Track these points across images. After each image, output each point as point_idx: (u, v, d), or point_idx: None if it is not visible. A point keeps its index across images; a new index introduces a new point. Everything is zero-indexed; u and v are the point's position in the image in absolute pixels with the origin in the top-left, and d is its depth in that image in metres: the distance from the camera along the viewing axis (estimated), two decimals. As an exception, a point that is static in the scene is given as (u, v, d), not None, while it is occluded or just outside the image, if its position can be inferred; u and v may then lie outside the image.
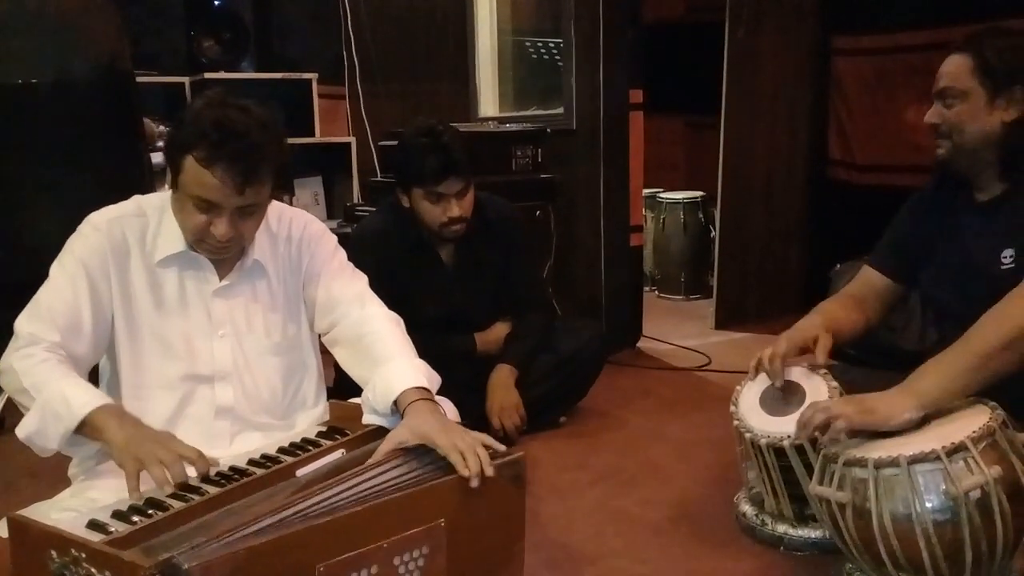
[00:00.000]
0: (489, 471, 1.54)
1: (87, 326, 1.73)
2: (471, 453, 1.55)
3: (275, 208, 1.92)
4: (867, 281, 2.22)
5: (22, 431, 1.63)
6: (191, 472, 1.56)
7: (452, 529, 1.54)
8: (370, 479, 1.54)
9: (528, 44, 4.60)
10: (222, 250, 1.77)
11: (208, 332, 1.83)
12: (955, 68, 2.03)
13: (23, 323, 1.71)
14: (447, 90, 4.58)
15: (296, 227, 1.93)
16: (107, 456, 1.73)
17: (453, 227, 2.69)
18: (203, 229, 1.70)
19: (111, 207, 1.82)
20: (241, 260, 1.85)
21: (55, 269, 1.76)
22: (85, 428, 1.59)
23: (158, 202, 1.83)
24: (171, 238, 1.79)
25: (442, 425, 1.62)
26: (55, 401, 1.60)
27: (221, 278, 1.84)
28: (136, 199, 1.86)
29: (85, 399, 1.60)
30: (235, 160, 1.63)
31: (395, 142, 3.82)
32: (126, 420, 1.61)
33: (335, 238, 1.99)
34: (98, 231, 1.77)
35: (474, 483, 1.52)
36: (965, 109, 2.01)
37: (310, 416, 1.93)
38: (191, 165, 1.66)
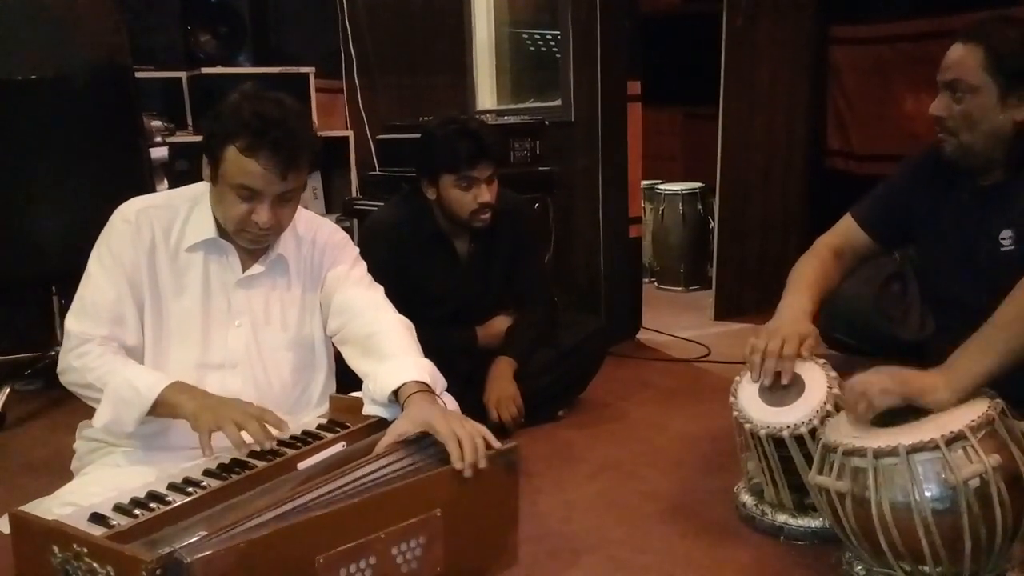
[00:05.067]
0: (482, 463, 1.58)
1: (131, 317, 1.80)
2: (468, 441, 1.58)
3: (305, 214, 1.99)
4: (848, 235, 2.19)
5: (99, 421, 1.72)
6: (259, 431, 1.65)
7: (449, 518, 1.57)
8: (370, 471, 1.55)
9: (525, 36, 4.59)
10: (262, 238, 1.83)
11: (226, 320, 1.87)
12: (964, 60, 1.93)
13: (72, 323, 1.78)
14: (445, 83, 4.58)
15: (322, 234, 1.99)
16: (109, 450, 1.75)
17: (483, 215, 2.71)
18: (245, 218, 1.76)
19: (141, 197, 1.89)
20: (267, 253, 1.90)
21: (93, 265, 1.82)
22: (158, 408, 1.69)
23: (190, 194, 1.89)
24: (201, 226, 1.85)
25: (443, 413, 1.65)
26: (123, 389, 1.69)
27: (245, 269, 1.88)
28: (167, 192, 1.95)
29: (151, 381, 1.70)
30: (277, 147, 1.70)
31: (393, 136, 3.86)
32: (195, 392, 1.72)
33: (357, 250, 2.05)
34: (128, 223, 1.82)
35: (467, 473, 1.57)
36: (975, 105, 1.93)
37: (314, 415, 1.95)
38: (233, 155, 1.72)
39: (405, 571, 1.53)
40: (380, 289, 2.01)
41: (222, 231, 1.84)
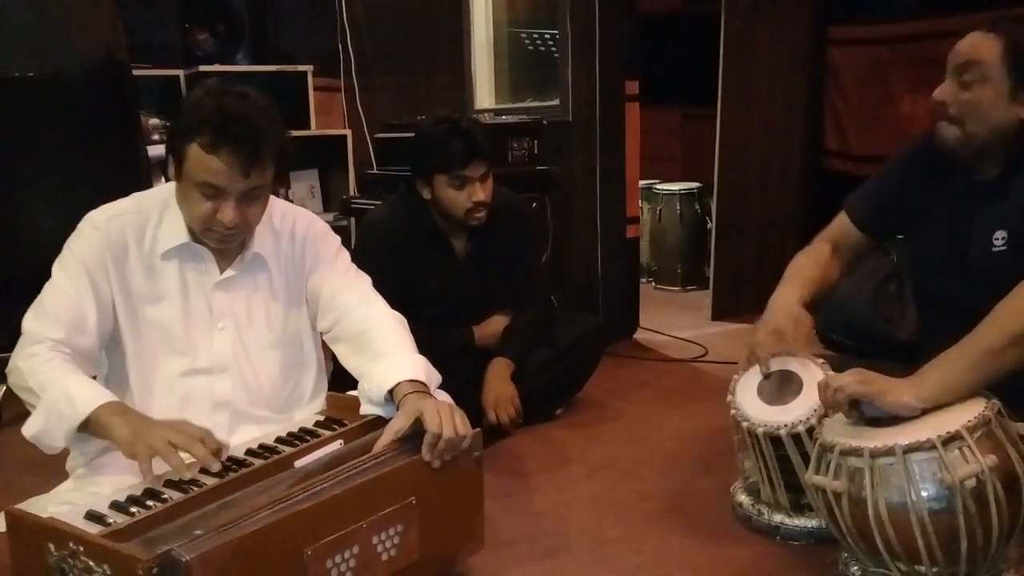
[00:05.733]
0: (448, 456, 1.62)
1: (91, 322, 1.74)
2: (450, 428, 1.60)
3: (279, 205, 1.93)
4: (844, 230, 2.18)
5: (28, 430, 1.65)
6: (203, 452, 1.56)
7: (422, 506, 1.60)
8: (362, 466, 1.56)
9: (524, 35, 4.58)
10: (229, 238, 1.77)
11: (208, 324, 1.84)
12: (982, 48, 1.88)
13: (28, 322, 1.73)
14: (443, 82, 4.57)
15: (300, 225, 1.94)
16: (106, 450, 1.74)
17: (477, 213, 2.71)
18: (210, 216, 1.71)
19: (110, 205, 1.83)
20: (242, 253, 1.85)
21: (56, 269, 1.77)
22: (90, 426, 1.60)
23: (160, 196, 1.84)
24: (173, 231, 1.80)
25: (435, 404, 1.66)
26: (59, 400, 1.61)
27: (222, 271, 1.84)
28: (136, 196, 1.87)
29: (88, 396, 1.61)
30: (239, 143, 1.65)
31: (391, 135, 3.85)
32: (130, 415, 1.62)
33: (339, 238, 2.00)
34: (97, 230, 1.77)
35: (435, 464, 1.61)
36: (985, 95, 1.88)
37: (308, 411, 1.94)
38: (195, 152, 1.67)
39: (385, 559, 1.55)
40: (367, 280, 1.98)
41: (195, 234, 1.80)
